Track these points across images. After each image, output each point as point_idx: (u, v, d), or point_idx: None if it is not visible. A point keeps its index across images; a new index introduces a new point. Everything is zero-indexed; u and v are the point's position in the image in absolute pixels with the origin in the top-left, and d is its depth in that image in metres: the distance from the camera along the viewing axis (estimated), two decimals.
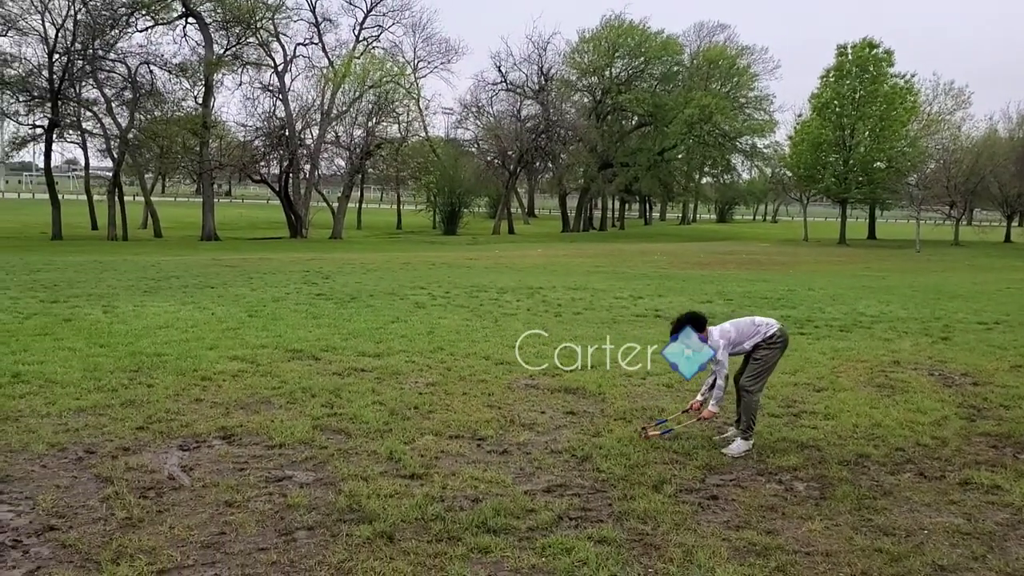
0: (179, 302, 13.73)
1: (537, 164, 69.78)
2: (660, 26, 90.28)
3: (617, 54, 66.15)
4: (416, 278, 19.79)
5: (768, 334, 6.21)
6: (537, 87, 65.93)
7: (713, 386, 6.25)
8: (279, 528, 4.56)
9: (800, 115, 56.95)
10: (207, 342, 9.93)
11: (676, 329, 6.25)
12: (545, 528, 4.58)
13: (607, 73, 66.55)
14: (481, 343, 10.46)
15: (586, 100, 68.75)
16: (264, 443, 6.09)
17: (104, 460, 5.62)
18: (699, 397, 6.41)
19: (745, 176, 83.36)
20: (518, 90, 66.32)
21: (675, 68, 68.80)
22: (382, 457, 5.79)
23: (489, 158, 66.67)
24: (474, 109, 67.82)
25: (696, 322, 6.19)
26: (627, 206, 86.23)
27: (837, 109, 51.20)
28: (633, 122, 70.27)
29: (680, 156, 71.53)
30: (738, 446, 6.10)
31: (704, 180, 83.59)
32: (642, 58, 66.39)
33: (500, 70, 65.52)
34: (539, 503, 4.94)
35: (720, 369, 6.16)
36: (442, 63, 60.14)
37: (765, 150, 71.81)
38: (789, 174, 59.14)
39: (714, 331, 6.21)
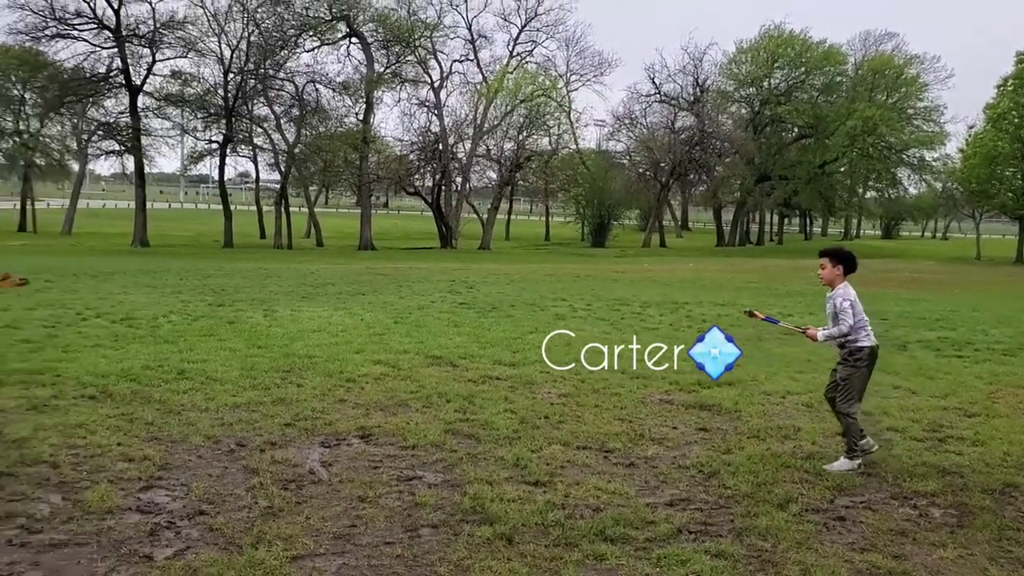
0: (332, 308, 14.43)
1: (691, 176, 68.81)
2: (822, 35, 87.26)
3: (776, 64, 64.43)
4: (559, 290, 19.95)
5: (857, 346, 6.00)
6: (692, 98, 65.07)
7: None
8: (406, 524, 4.77)
9: (972, 127, 53.62)
10: (354, 346, 10.43)
11: (843, 259, 6.12)
12: (663, 540, 4.59)
13: (766, 84, 64.91)
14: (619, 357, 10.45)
15: (743, 111, 67.28)
16: (399, 444, 6.36)
17: (253, 453, 6.03)
18: (820, 332, 6.16)
19: (912, 191, 79.04)
20: (672, 101, 65.66)
21: (838, 78, 66.29)
22: (508, 463, 5.93)
23: (641, 170, 66.26)
24: (627, 121, 67.62)
25: (849, 262, 6.12)
26: (786, 220, 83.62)
27: (1015, 120, 47.85)
28: (792, 134, 68.19)
29: (842, 169, 68.74)
30: (840, 464, 5.93)
31: (868, 194, 79.91)
32: (802, 68, 64.38)
33: (654, 82, 65.10)
34: (660, 516, 4.95)
35: (845, 319, 5.94)
36: (595, 76, 60.30)
37: (934, 163, 67.94)
38: (960, 189, 55.78)
39: (847, 289, 6.05)
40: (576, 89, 62.09)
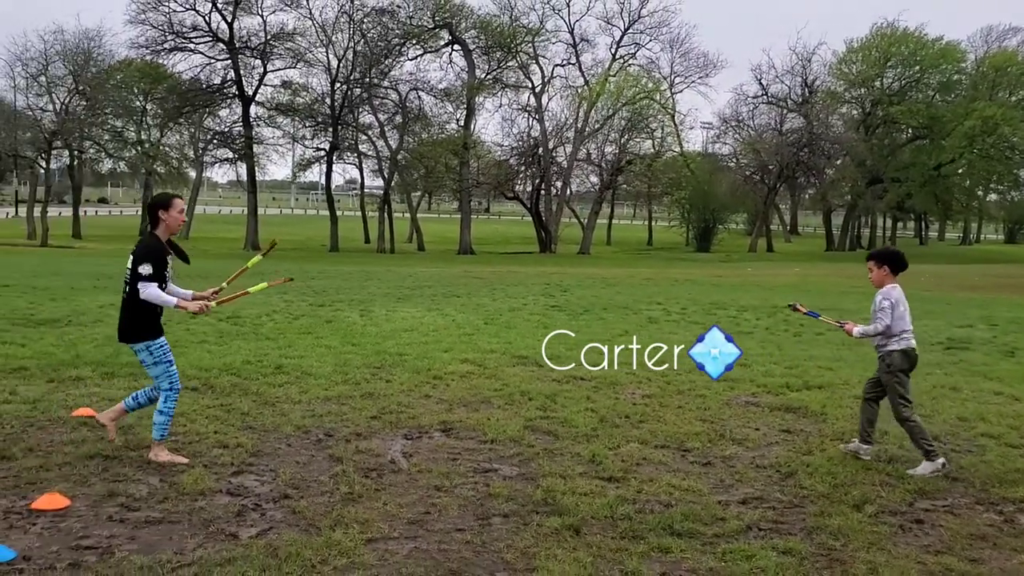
0: (425, 308, 14.76)
1: (800, 179, 67.07)
2: (938, 32, 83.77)
3: (889, 63, 62.09)
4: (655, 294, 19.83)
5: (889, 349, 6.03)
6: (800, 99, 63.45)
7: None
8: (477, 513, 4.91)
9: None
10: (443, 345, 10.67)
11: (886, 258, 6.19)
12: (731, 536, 4.59)
13: (877, 84, 62.65)
14: None
15: (854, 112, 65.15)
16: (478, 438, 6.51)
17: (339, 443, 6.28)
18: (857, 328, 6.22)
19: None
20: (780, 103, 64.18)
21: (955, 77, 63.44)
22: (584, 459, 6.00)
23: (748, 173, 64.99)
24: (733, 123, 66.46)
25: (894, 261, 6.17)
26: (900, 224, 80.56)
27: None
28: (906, 135, 65.65)
29: (960, 171, 65.77)
30: (923, 468, 5.81)
31: (989, 197, 76.25)
32: (917, 67, 61.84)
33: (761, 83, 63.73)
34: (731, 513, 4.94)
35: (881, 318, 5.98)
36: (699, 78, 59.50)
37: None
38: None
39: (892, 289, 6.08)
40: (680, 91, 61.48)
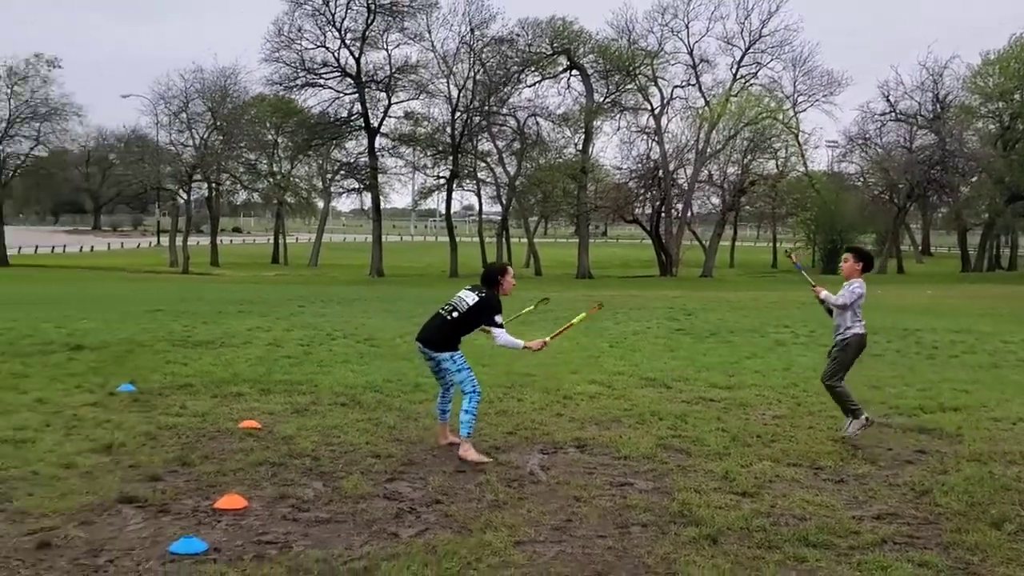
0: (549, 332, 15.08)
1: (932, 198, 64.48)
2: None
3: None
4: (782, 316, 19.60)
5: (852, 332, 7.25)
6: (932, 115, 61.09)
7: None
8: (617, 522, 5.19)
9: None
10: (570, 367, 10.99)
11: (864, 257, 7.50)
12: (866, 548, 4.71)
13: (1017, 96, 59.76)
14: None
15: (991, 127, 62.22)
16: (612, 454, 6.79)
17: (480, 455, 6.67)
18: (826, 294, 7.46)
19: None
20: (910, 119, 61.96)
21: None
22: (717, 475, 6.19)
23: (876, 192, 62.93)
24: (860, 141, 64.50)
25: (867, 260, 7.50)
26: None
27: None
28: None
29: None
30: (852, 425, 7.19)
31: None
32: None
33: (889, 99, 61.62)
34: (865, 527, 5.05)
35: (844, 297, 7.22)
36: (824, 96, 58.09)
37: None
38: None
39: (862, 283, 7.29)
40: (804, 110, 60.06)
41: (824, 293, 7.38)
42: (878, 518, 5.26)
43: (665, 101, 54.19)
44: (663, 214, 54.58)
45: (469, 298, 6.77)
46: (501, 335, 6.74)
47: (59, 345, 12.41)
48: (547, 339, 7.02)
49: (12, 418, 7.54)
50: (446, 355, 6.70)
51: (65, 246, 71.74)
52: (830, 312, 7.50)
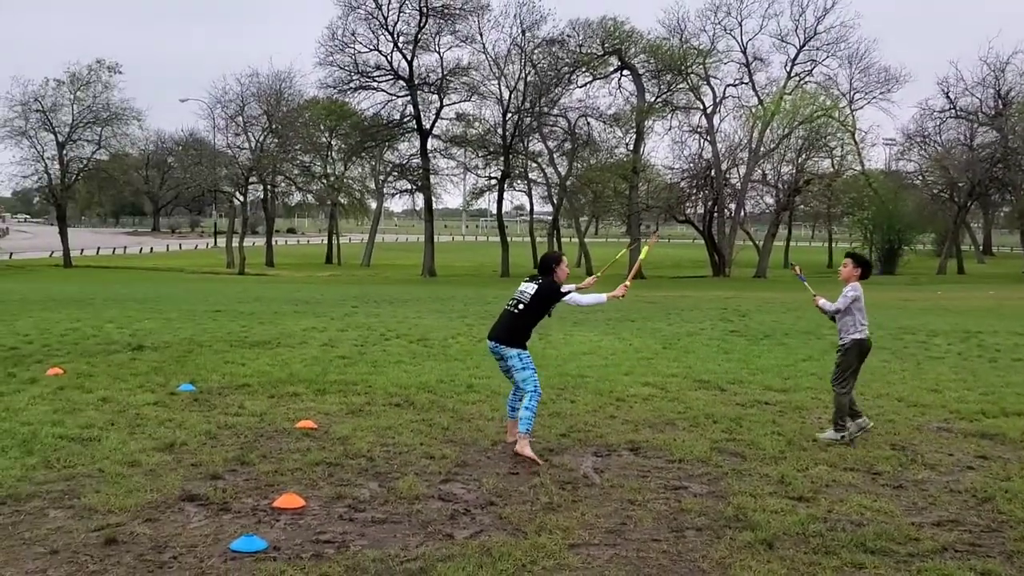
0: (602, 333, 15.08)
1: (994, 196, 62.87)
2: None
3: None
4: None
5: (851, 337, 7.39)
6: (993, 112, 59.50)
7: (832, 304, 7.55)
8: (671, 526, 5.17)
9: None
10: (623, 368, 10.97)
11: (862, 263, 7.71)
12: (926, 555, 4.64)
13: None
14: (897, 385, 10.17)
15: None
16: (666, 457, 6.76)
17: (534, 454, 6.70)
18: (824, 301, 7.65)
19: None
20: (970, 116, 60.44)
21: None
22: (773, 480, 6.13)
23: (935, 191, 61.55)
24: (918, 139, 63.14)
25: (866, 267, 7.68)
26: None
27: None
28: None
29: None
30: (829, 434, 7.31)
31: None
32: None
33: (948, 96, 60.16)
34: (925, 534, 4.97)
35: (839, 303, 7.41)
36: (881, 93, 56.96)
37: None
38: None
39: (858, 287, 7.45)
40: (860, 108, 59.19)
41: (821, 301, 7.62)
42: (938, 525, 5.17)
43: (718, 100, 53.70)
44: (715, 214, 54.07)
45: (530, 288, 6.97)
46: (579, 298, 7.02)
47: (122, 345, 12.73)
48: (626, 283, 7.12)
49: (79, 417, 7.76)
50: (514, 352, 6.85)
51: (126, 247, 73.62)
52: (833, 319, 7.67)
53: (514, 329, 6.91)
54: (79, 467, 6.18)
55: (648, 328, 16.23)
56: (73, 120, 53.38)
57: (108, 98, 53.85)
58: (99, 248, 68.09)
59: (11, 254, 59.01)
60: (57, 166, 53.91)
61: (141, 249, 73.51)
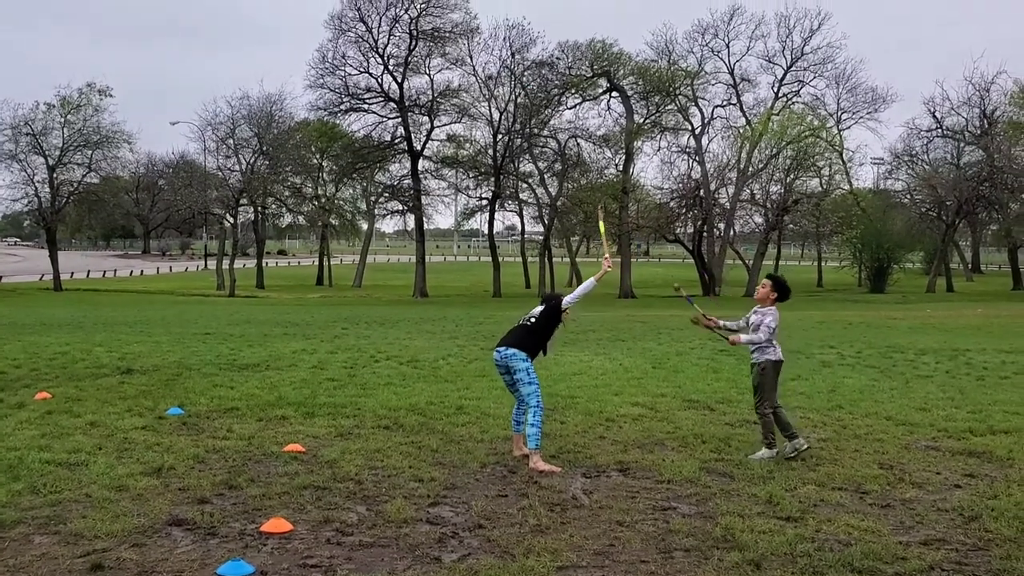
0: (592, 353, 15.10)
1: (981, 215, 63.27)
2: None
3: None
4: (827, 337, 19.38)
5: (767, 358, 7.42)
6: (979, 131, 60.03)
7: (740, 331, 7.64)
8: (660, 547, 5.17)
9: None
10: (613, 388, 10.99)
11: (781, 287, 7.60)
12: (913, 574, 4.65)
13: None
14: (885, 403, 10.22)
15: None
16: (655, 478, 6.77)
17: (522, 479, 6.71)
18: (725, 322, 7.74)
19: None
20: (956, 136, 60.99)
21: None
22: (761, 500, 6.14)
23: (923, 209, 61.94)
24: (906, 158, 63.62)
25: (783, 291, 7.58)
26: None
27: None
28: None
29: None
30: (762, 453, 7.33)
31: None
32: None
33: (935, 116, 60.70)
34: (912, 553, 4.98)
35: (761, 334, 7.35)
36: (868, 113, 57.49)
37: None
38: None
39: (776, 311, 7.50)
40: (848, 127, 59.56)
41: (745, 338, 7.49)
42: (925, 544, 5.19)
43: (706, 121, 54.09)
44: (705, 233, 54.28)
45: (538, 309, 7.54)
46: (571, 295, 7.54)
47: (111, 369, 12.70)
48: (607, 255, 7.86)
49: (66, 441, 7.73)
50: (523, 365, 7.19)
51: (116, 270, 73.34)
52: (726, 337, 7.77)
53: (525, 337, 7.33)
54: (66, 492, 6.15)
55: (638, 348, 16.26)
56: (64, 143, 53.36)
57: (99, 121, 53.90)
58: (89, 271, 67.85)
59: (1, 277, 58.74)
60: (47, 189, 53.82)
61: (132, 272, 73.27)
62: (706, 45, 53.05)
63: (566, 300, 7.45)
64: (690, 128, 54.12)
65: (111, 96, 53.92)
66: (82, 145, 54.10)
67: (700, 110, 54.01)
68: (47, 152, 53.00)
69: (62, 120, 53.09)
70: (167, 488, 6.33)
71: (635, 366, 13.41)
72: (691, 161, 54.22)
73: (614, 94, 52.34)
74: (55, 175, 53.73)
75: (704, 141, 53.85)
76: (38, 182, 53.86)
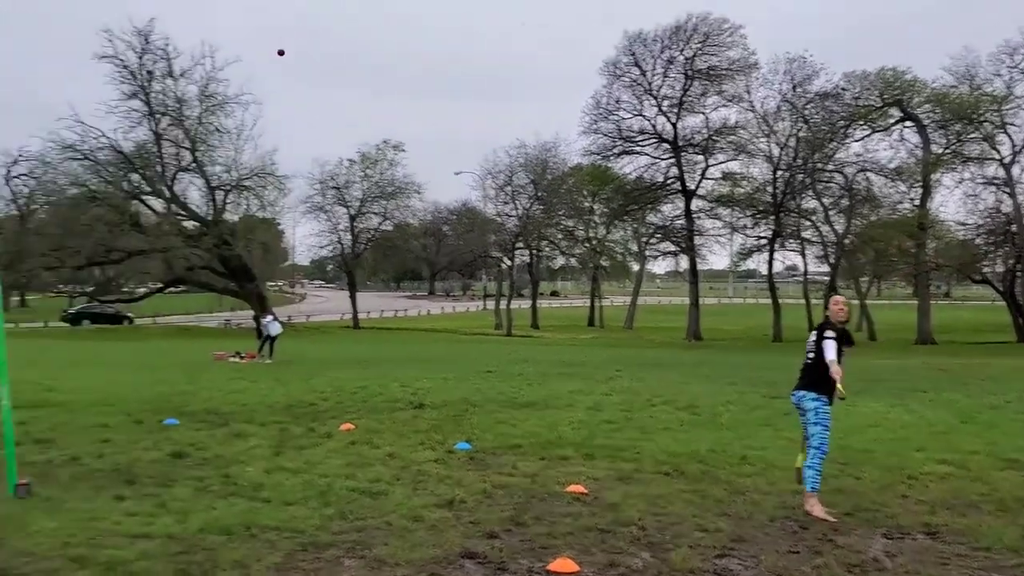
0: (888, 403, 13.96)
1: None
2: None
3: None
4: None
5: None
6: None
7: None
8: None
9: None
10: (914, 443, 10.06)
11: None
12: None
13: None
14: None
15: None
16: (969, 544, 6.08)
17: (815, 536, 6.28)
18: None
19: None
20: None
21: None
22: None
23: None
24: None
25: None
26: None
27: None
28: None
29: None
30: None
31: None
32: None
33: None
34: None
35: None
36: None
37: None
38: None
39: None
40: None
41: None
42: None
43: (1017, 149, 48.79)
44: (1019, 273, 48.79)
45: (812, 337, 7.19)
46: (830, 345, 6.90)
47: (404, 403, 13.59)
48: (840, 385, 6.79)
49: (368, 471, 8.32)
50: (813, 404, 6.96)
51: (406, 310, 79.25)
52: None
53: (811, 376, 7.02)
54: (369, 519, 6.59)
55: (942, 399, 14.84)
56: (363, 195, 58.92)
57: (393, 174, 59.05)
58: (382, 311, 73.81)
59: (308, 316, 65.55)
60: (349, 236, 59.66)
61: (419, 312, 78.79)
62: (1015, 67, 48.08)
63: (827, 345, 6.89)
64: (998, 157, 49.14)
65: (403, 151, 58.96)
66: (378, 196, 59.46)
67: (1009, 137, 48.85)
68: (349, 203, 58.78)
69: (362, 174, 58.74)
70: (459, 521, 6.59)
71: (939, 419, 12.22)
72: (999, 193, 49.15)
73: (907, 124, 48.87)
74: (355, 223, 59.35)
75: (1015, 171, 48.60)
76: (341, 230, 59.93)
